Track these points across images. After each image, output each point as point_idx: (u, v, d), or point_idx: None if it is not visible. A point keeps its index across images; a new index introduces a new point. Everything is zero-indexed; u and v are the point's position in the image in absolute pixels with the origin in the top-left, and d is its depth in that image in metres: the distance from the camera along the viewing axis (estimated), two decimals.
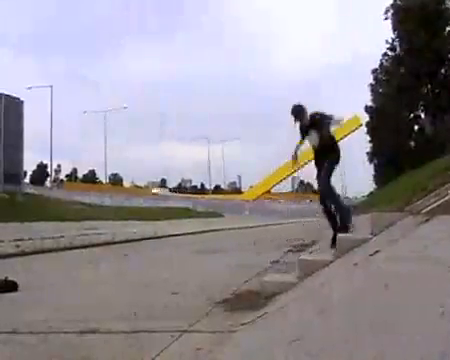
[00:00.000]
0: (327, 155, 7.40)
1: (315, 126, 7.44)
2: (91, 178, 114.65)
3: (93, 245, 16.63)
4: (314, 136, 7.52)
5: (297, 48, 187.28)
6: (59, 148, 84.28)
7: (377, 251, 4.87)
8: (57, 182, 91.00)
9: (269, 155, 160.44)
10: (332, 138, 7.74)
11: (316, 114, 7.53)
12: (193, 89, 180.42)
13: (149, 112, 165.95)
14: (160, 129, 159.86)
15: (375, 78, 49.75)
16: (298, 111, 7.60)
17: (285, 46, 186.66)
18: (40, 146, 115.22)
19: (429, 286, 2.65)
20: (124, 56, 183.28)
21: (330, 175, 7.43)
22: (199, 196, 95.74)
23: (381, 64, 48.40)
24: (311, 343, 2.62)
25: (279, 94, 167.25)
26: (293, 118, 7.60)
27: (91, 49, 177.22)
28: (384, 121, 44.18)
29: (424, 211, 6.38)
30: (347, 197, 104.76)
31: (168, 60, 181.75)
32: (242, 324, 4.59)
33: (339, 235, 6.67)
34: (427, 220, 5.29)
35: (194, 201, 79.95)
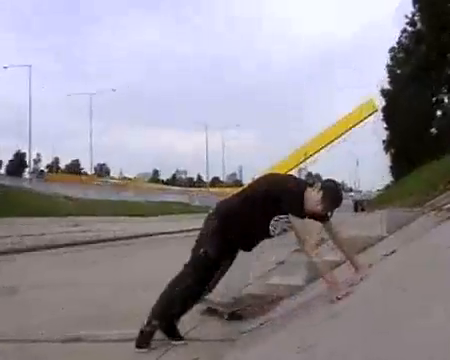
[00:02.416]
0: None
1: None
2: (75, 169, 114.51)
3: (78, 244, 16.66)
4: None
5: (301, 30, 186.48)
6: (39, 135, 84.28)
7: (393, 251, 4.89)
8: (36, 173, 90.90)
9: (273, 144, 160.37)
10: None
11: None
12: (190, 71, 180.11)
13: (141, 96, 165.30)
14: (153, 115, 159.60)
15: (393, 57, 49.54)
16: None
17: (288, 29, 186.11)
18: (18, 133, 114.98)
19: (449, 289, 2.66)
20: (113, 34, 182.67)
21: None
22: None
23: (399, 42, 48.18)
24: (321, 352, 2.63)
25: (283, 79, 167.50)
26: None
27: (76, 25, 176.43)
28: (403, 105, 43.97)
29: (447, 207, 6.39)
30: (360, 191, 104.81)
31: (163, 37, 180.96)
32: (243, 332, 4.61)
33: None
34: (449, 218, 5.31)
35: (190, 195, 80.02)
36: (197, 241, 4.60)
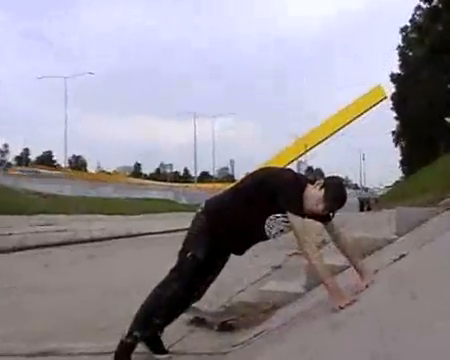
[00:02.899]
0: None
1: None
2: (47, 161, 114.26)
3: (50, 245, 16.62)
4: None
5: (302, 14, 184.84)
6: (10, 123, 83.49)
7: (403, 255, 4.90)
8: (4, 165, 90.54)
9: (271, 136, 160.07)
10: None
11: None
12: (178, 53, 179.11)
13: (123, 80, 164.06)
14: (135, 101, 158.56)
15: (404, 38, 49.33)
16: None
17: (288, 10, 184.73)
18: None
19: None
20: (92, 11, 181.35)
21: None
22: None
23: (412, 20, 47.88)
24: None
25: (283, 67, 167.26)
26: None
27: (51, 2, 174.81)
28: (415, 91, 43.83)
29: None
30: (366, 189, 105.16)
31: (149, 15, 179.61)
32: (235, 345, 4.62)
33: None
34: None
35: (176, 192, 79.97)
36: (184, 243, 4.58)
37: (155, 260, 11.95)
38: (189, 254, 4.43)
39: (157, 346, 4.58)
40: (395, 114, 51.48)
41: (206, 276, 4.57)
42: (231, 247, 4.59)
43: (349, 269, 5.68)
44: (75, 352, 4.82)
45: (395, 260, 4.97)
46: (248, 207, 4.39)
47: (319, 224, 4.53)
